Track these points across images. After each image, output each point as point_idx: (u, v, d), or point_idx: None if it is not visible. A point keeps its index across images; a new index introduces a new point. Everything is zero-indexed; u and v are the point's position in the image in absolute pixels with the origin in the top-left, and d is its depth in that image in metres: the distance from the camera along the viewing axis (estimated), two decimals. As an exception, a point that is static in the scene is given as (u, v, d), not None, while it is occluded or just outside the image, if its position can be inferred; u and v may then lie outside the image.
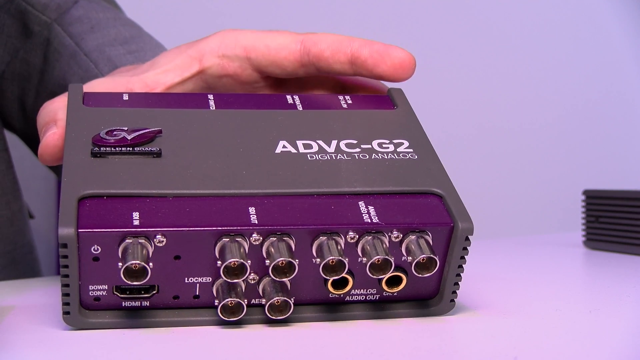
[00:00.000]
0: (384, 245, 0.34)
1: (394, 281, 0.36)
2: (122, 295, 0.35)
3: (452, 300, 0.37)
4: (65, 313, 0.34)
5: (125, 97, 0.41)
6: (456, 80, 1.39)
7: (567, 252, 0.60)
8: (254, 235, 0.34)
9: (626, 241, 0.57)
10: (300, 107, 0.42)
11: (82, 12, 0.62)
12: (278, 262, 0.33)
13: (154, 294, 0.35)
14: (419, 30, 1.36)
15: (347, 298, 0.36)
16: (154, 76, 0.46)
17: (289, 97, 0.42)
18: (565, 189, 1.37)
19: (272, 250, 0.33)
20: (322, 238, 0.34)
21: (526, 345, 0.32)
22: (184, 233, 0.33)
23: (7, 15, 0.62)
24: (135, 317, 0.35)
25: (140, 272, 0.33)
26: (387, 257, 0.34)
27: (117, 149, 0.37)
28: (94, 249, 0.33)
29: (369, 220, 0.35)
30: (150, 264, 0.33)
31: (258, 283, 0.35)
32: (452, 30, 1.38)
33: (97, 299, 0.34)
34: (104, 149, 0.37)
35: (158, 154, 0.37)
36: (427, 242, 0.35)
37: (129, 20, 0.64)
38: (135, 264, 0.32)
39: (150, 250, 0.33)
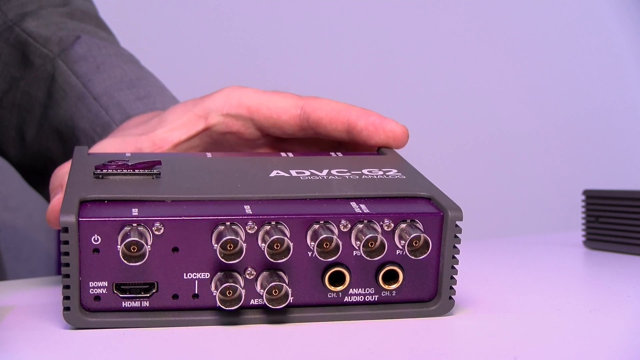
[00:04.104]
0: (378, 232, 0.35)
1: (390, 277, 0.36)
2: (122, 295, 0.35)
3: (451, 298, 0.37)
4: (66, 309, 0.34)
5: (128, 155, 0.44)
6: (458, 82, 1.39)
7: (567, 252, 0.60)
8: (249, 223, 0.35)
9: (626, 241, 0.57)
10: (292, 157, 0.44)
11: (85, 49, 0.62)
12: (273, 240, 0.34)
13: (154, 293, 0.35)
14: (423, 34, 1.36)
15: (346, 299, 0.36)
16: (162, 134, 0.48)
17: (283, 154, 0.45)
18: (565, 189, 1.37)
19: (267, 237, 0.35)
20: (316, 226, 0.35)
21: (526, 345, 0.32)
22: (181, 221, 0.34)
23: (5, 45, 0.63)
24: (135, 317, 0.35)
25: (138, 257, 0.34)
26: (378, 235, 0.35)
27: (118, 171, 0.39)
28: (94, 239, 0.34)
29: (361, 211, 0.36)
30: (149, 246, 0.34)
31: (256, 279, 0.35)
32: (456, 34, 1.39)
33: (97, 297, 0.35)
34: (106, 171, 0.39)
35: (157, 175, 0.39)
36: (418, 227, 0.36)
37: (128, 55, 0.64)
38: (134, 242, 0.33)
39: (149, 239, 0.34)
